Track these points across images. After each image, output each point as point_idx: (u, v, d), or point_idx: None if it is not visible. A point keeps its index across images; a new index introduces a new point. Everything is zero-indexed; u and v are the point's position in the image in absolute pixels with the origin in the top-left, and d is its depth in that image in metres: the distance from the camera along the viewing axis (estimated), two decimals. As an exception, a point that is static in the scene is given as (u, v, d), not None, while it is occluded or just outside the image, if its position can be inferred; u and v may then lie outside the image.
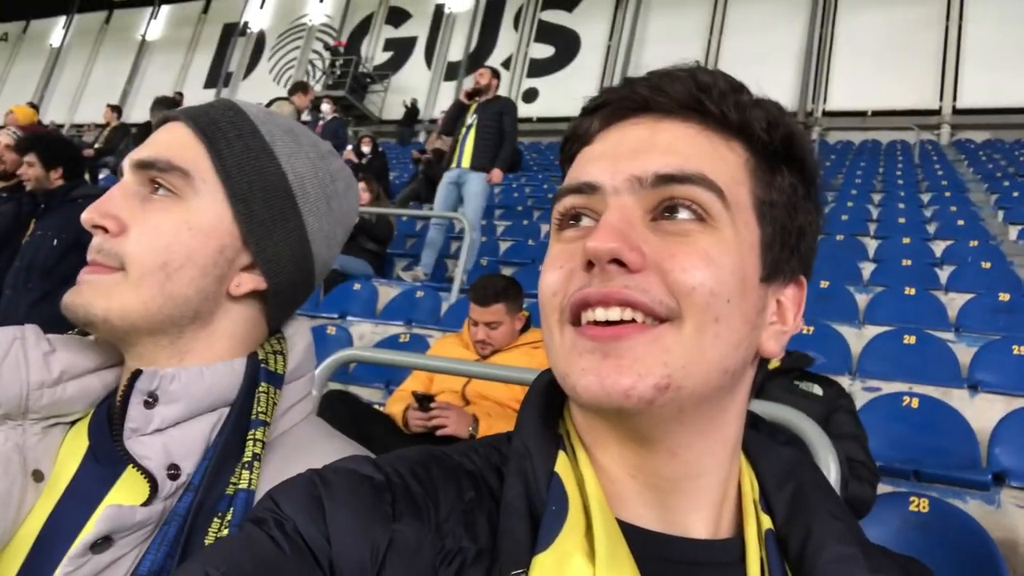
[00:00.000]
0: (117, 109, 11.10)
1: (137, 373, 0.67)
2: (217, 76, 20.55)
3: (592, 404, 0.48)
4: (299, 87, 7.62)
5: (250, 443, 0.67)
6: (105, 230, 0.69)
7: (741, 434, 0.57)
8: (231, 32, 20.91)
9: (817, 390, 2.33)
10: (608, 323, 0.48)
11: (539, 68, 17.34)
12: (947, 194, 8.20)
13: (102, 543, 0.59)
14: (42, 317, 3.33)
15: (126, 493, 0.65)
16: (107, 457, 0.67)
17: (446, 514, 0.51)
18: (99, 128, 12.27)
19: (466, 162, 5.86)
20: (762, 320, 0.54)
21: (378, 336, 4.50)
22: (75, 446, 0.69)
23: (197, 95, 18.34)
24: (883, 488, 2.45)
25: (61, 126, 16.26)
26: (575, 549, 0.47)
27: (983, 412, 3.13)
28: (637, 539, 0.50)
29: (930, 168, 10.08)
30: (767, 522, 0.56)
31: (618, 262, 0.48)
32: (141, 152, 0.72)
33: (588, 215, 0.53)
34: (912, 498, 2.35)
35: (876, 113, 13.91)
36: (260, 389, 0.71)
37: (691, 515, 0.54)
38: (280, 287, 0.76)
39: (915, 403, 3.14)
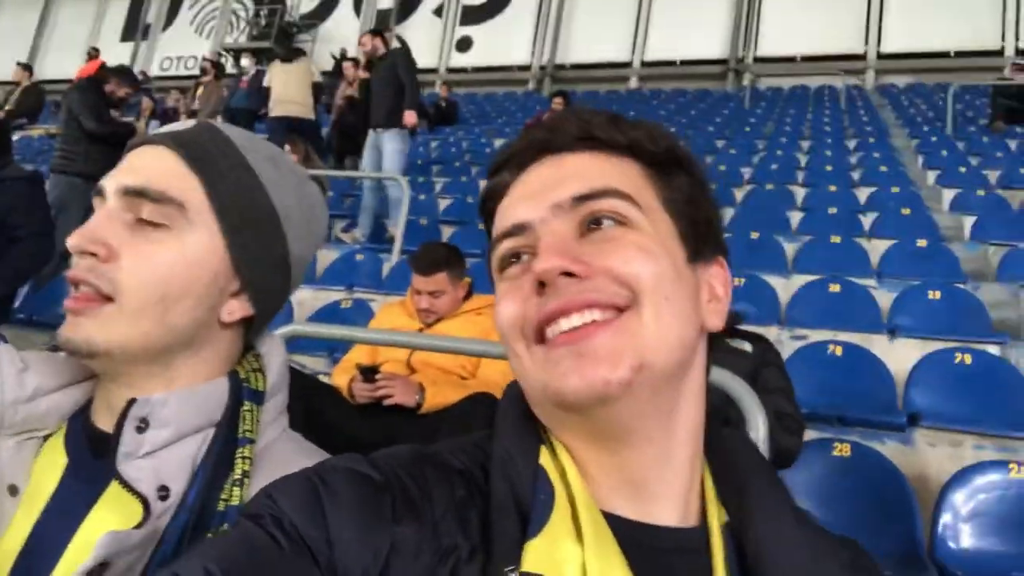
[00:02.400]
0: (28, 67, 10.50)
1: (131, 402, 0.69)
2: (135, 28, 19.49)
3: (578, 400, 0.52)
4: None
5: (239, 461, 0.70)
6: (94, 256, 0.69)
7: (703, 420, 0.61)
8: (147, -20, 19.79)
9: (747, 346, 2.44)
10: (573, 330, 0.53)
11: (473, 15, 16.98)
12: (871, 140, 8.47)
13: (99, 568, 0.61)
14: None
15: (112, 512, 0.67)
16: (88, 474, 0.69)
17: (441, 512, 0.53)
18: (4, 87, 11.62)
19: (375, 122, 5.95)
20: (700, 298, 0.60)
21: (319, 302, 4.45)
22: (52, 461, 0.71)
23: (113, 49, 17.38)
24: (810, 435, 2.61)
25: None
26: (564, 533, 0.52)
27: (901, 356, 3.32)
28: (615, 525, 0.54)
29: (855, 114, 10.37)
30: (723, 515, 0.60)
31: (567, 275, 0.54)
32: (129, 178, 0.71)
33: (525, 252, 0.58)
34: (835, 444, 2.52)
35: (805, 59, 14.14)
36: (244, 408, 0.73)
37: (661, 504, 0.58)
38: (266, 312, 0.79)
39: (839, 350, 3.32)
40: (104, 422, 0.72)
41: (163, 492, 0.66)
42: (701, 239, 0.61)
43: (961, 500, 2.24)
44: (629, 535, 0.55)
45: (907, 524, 2.25)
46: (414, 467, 0.56)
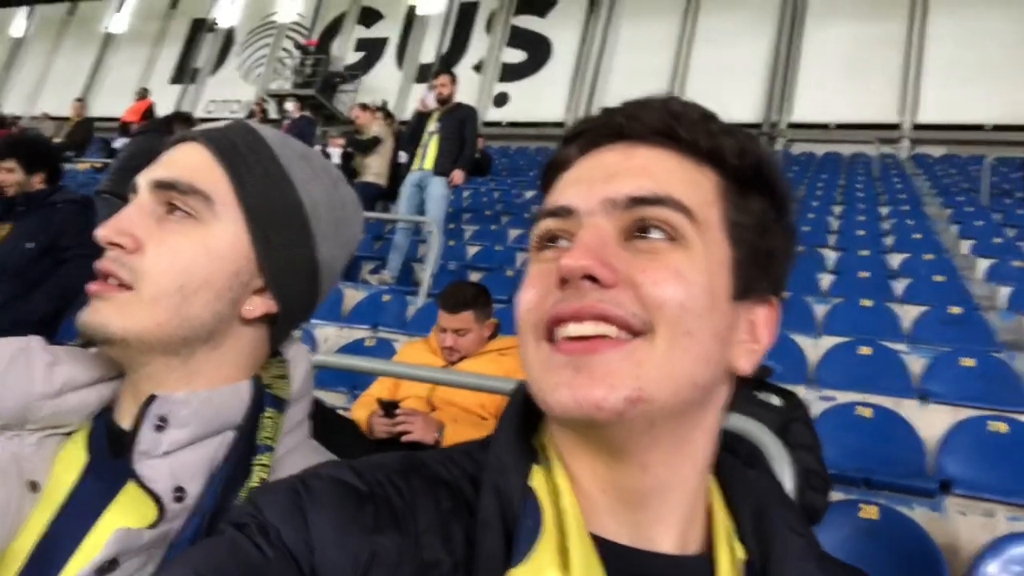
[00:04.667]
0: (81, 101, 10.94)
1: (151, 399, 0.68)
2: (184, 72, 20.21)
3: (564, 417, 0.50)
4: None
5: (257, 468, 0.69)
6: (121, 247, 0.69)
7: (713, 453, 0.58)
8: (199, 27, 20.58)
9: (775, 400, 2.40)
10: (581, 338, 0.50)
11: (511, 73, 17.37)
12: (904, 208, 8.42)
13: (108, 566, 0.60)
14: (10, 319, 3.27)
15: (126, 511, 0.66)
16: (107, 473, 0.68)
17: (424, 525, 0.51)
18: (54, 120, 12.11)
19: (428, 164, 6.03)
20: (734, 337, 0.55)
21: (343, 340, 4.49)
22: (72, 458, 0.70)
23: (164, 90, 18.05)
24: (835, 495, 2.54)
25: (19, 118, 15.82)
26: (549, 564, 0.49)
27: (932, 422, 3.24)
28: (607, 553, 0.51)
29: (889, 181, 10.34)
30: (742, 551, 0.57)
31: (591, 279, 0.50)
32: (160, 172, 0.72)
33: (564, 237, 0.55)
34: (862, 505, 2.44)
35: (839, 126, 14.19)
36: (266, 415, 0.73)
37: (659, 529, 0.55)
38: (289, 310, 0.77)
39: (868, 412, 3.25)
40: (126, 421, 0.71)
41: (179, 493, 0.65)
42: (758, 273, 0.57)
43: (994, 571, 2.14)
44: (621, 563, 0.52)
45: (937, 593, 2.16)
46: (399, 477, 0.54)
